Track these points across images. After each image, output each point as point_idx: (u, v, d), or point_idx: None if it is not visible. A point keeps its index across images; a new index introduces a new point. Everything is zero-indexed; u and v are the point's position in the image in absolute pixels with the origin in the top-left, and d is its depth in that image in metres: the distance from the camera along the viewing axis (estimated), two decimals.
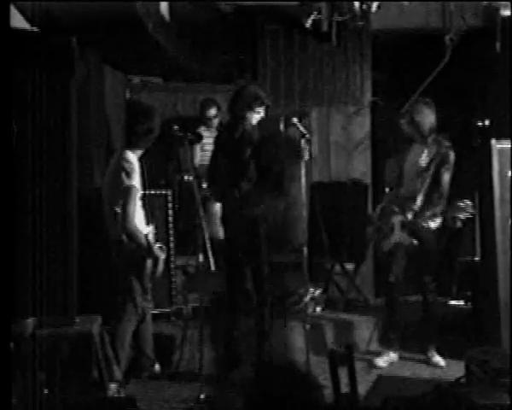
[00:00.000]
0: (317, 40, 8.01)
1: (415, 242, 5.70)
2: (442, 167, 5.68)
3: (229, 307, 5.61)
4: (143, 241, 5.28)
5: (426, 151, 5.72)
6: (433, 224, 5.63)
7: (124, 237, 5.30)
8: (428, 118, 5.77)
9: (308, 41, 8.10)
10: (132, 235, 5.27)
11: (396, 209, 5.73)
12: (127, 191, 5.25)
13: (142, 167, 5.47)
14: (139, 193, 5.34)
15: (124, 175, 5.26)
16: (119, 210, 5.26)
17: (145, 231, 5.35)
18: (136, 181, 5.29)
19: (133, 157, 5.37)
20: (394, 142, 6.46)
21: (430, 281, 5.76)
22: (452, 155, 5.71)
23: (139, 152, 5.45)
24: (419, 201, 5.66)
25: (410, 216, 5.68)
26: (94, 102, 7.03)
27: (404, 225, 5.68)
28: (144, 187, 5.59)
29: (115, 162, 5.43)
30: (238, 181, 5.44)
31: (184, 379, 5.60)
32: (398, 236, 5.69)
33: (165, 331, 6.07)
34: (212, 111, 7.70)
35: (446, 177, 5.69)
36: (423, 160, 5.71)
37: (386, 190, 6.00)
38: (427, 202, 5.65)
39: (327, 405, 3.06)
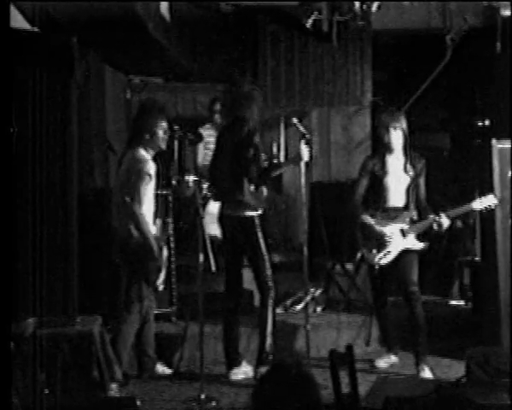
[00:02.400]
0: (317, 40, 8.01)
1: (426, 244, 5.71)
2: (421, 176, 5.72)
3: (228, 307, 5.61)
4: (149, 234, 5.28)
5: (407, 168, 5.70)
6: (446, 224, 5.63)
7: (133, 232, 5.29)
8: (404, 124, 5.73)
9: (308, 41, 8.10)
10: (140, 224, 5.25)
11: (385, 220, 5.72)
12: (140, 178, 5.24)
13: (157, 166, 5.49)
14: (151, 184, 5.35)
15: (139, 166, 5.26)
16: (128, 200, 5.25)
17: (152, 231, 5.36)
18: (151, 170, 5.30)
19: (146, 156, 5.37)
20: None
21: (416, 290, 5.68)
22: (425, 165, 5.75)
23: (152, 152, 5.44)
24: (413, 210, 5.68)
25: (407, 224, 5.68)
26: (94, 102, 7.03)
27: (404, 232, 5.67)
28: (157, 187, 5.59)
29: (129, 160, 5.40)
30: (240, 182, 5.43)
31: (185, 379, 5.61)
32: (406, 243, 5.66)
33: (166, 331, 6.07)
34: (217, 106, 7.63)
35: (423, 183, 5.73)
36: (407, 178, 5.69)
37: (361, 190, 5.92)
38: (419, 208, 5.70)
39: (328, 405, 3.06)
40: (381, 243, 5.69)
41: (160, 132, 5.42)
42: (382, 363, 5.89)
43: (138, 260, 5.34)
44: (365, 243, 5.78)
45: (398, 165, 5.73)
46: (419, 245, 5.70)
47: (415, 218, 5.71)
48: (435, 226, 5.63)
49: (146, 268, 5.35)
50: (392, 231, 5.68)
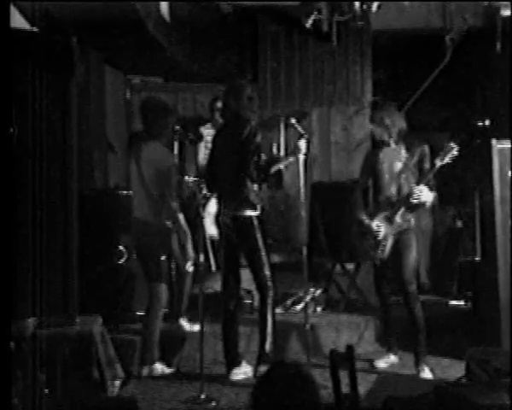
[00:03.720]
0: (317, 40, 8.02)
1: (412, 220, 5.67)
2: (424, 162, 5.66)
3: (227, 307, 5.60)
4: (182, 223, 5.75)
5: (401, 154, 5.68)
6: (425, 197, 5.57)
7: (164, 221, 5.68)
8: (399, 121, 5.73)
9: (308, 41, 8.11)
10: (175, 216, 5.71)
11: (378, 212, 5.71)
12: (173, 173, 5.70)
13: None
14: None
15: (169, 161, 5.76)
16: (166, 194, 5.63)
17: None
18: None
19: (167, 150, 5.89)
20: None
21: (414, 290, 5.67)
22: (427, 149, 5.70)
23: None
24: (395, 197, 5.65)
25: (388, 209, 5.66)
26: (94, 102, 7.03)
27: (389, 217, 5.64)
28: None
29: (154, 153, 5.71)
30: (243, 181, 5.43)
31: (185, 379, 5.61)
32: (395, 228, 5.64)
33: (166, 332, 6.06)
34: (218, 105, 7.61)
35: (427, 166, 5.64)
36: (398, 164, 5.67)
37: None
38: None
39: (327, 405, 3.06)
40: (375, 237, 5.69)
41: (169, 131, 5.95)
42: (382, 363, 5.89)
43: (166, 245, 5.74)
44: (364, 242, 5.78)
45: (393, 155, 5.72)
46: (407, 224, 5.65)
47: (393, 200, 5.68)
48: (415, 200, 5.57)
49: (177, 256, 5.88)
50: (380, 221, 5.67)
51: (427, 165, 5.64)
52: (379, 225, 5.66)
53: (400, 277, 5.66)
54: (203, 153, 7.56)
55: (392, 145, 5.73)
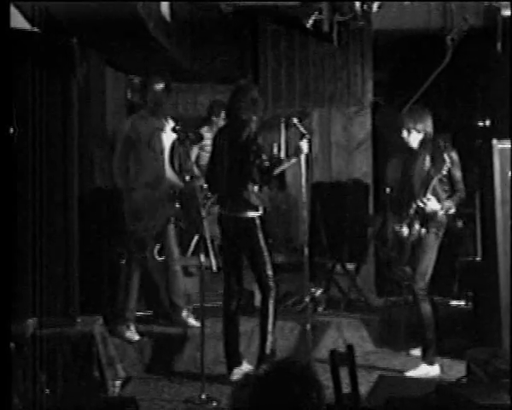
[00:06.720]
0: (317, 40, 8.00)
1: (433, 230, 5.66)
2: (455, 168, 5.63)
3: (228, 307, 5.60)
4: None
5: (427, 158, 5.65)
6: (432, 206, 5.57)
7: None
8: (428, 123, 5.72)
9: (309, 41, 8.09)
10: None
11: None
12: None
13: None
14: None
15: None
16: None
17: None
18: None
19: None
20: (394, 145, 6.40)
21: (420, 289, 5.67)
22: (455, 154, 5.67)
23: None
24: (426, 198, 5.61)
25: (411, 216, 5.64)
26: (95, 102, 7.03)
27: (410, 224, 5.63)
28: None
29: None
30: (244, 183, 5.43)
31: (185, 379, 5.61)
32: (413, 234, 5.64)
33: (166, 331, 6.07)
34: (216, 108, 7.60)
35: (458, 175, 5.65)
36: (426, 166, 5.63)
37: (387, 190, 5.94)
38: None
39: (328, 405, 3.06)
40: (400, 242, 5.69)
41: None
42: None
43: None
44: (387, 244, 5.82)
45: (421, 163, 5.68)
46: (423, 232, 5.63)
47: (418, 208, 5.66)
48: (426, 209, 5.55)
49: None
50: (403, 227, 5.66)
51: (457, 173, 5.65)
52: (403, 230, 5.65)
53: (412, 275, 5.67)
54: (195, 154, 7.56)
55: (419, 152, 5.69)
